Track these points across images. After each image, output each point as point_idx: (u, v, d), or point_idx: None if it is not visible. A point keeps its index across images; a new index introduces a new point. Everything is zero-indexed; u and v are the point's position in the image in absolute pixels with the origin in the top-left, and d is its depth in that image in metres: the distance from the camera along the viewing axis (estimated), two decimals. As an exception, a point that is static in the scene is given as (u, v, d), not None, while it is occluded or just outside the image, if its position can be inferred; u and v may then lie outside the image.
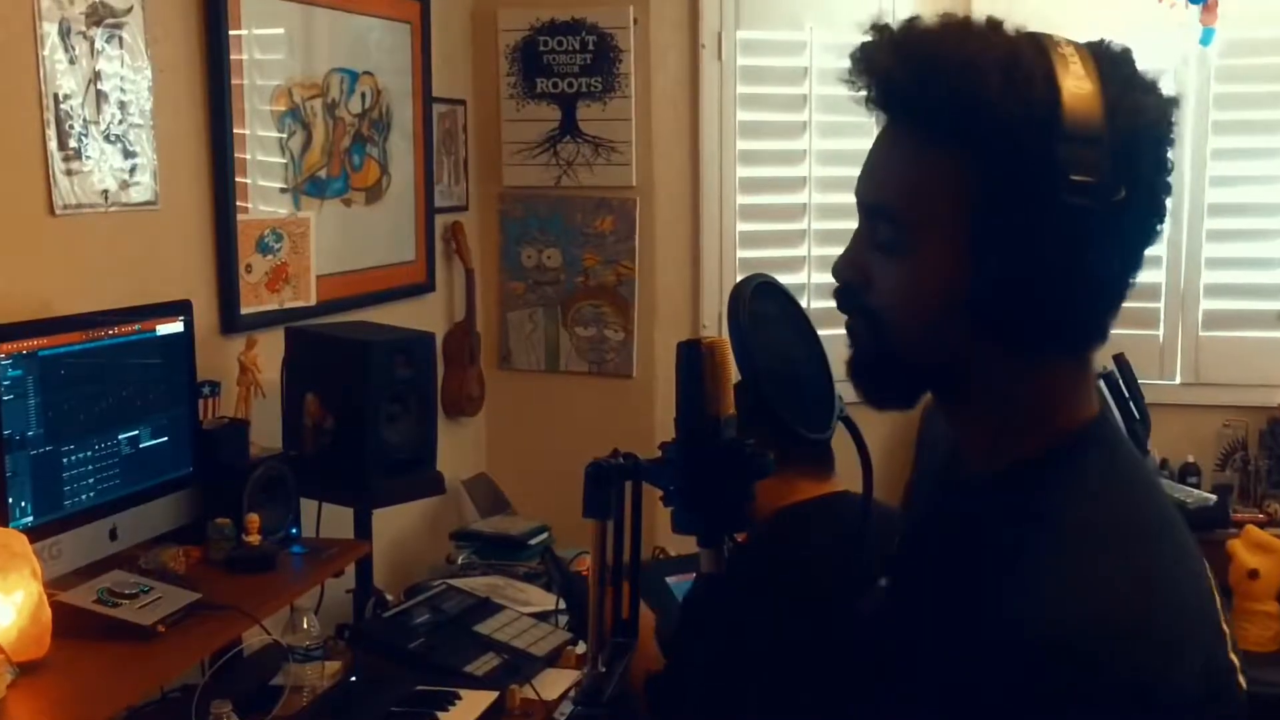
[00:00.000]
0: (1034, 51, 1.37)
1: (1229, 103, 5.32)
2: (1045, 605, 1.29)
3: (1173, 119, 1.43)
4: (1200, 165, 5.31)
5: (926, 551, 1.53)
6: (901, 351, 1.47)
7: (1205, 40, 5.18)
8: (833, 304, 1.50)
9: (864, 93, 1.42)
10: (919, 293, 1.43)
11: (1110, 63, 1.40)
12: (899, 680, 1.45)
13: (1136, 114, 1.37)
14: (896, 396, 1.52)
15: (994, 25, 1.41)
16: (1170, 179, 1.43)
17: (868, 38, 1.43)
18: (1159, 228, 1.45)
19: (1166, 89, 1.43)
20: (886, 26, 1.43)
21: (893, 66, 1.40)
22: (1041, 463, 1.44)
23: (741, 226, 5.49)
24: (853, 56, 1.43)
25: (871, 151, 1.47)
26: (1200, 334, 5.42)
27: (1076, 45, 1.39)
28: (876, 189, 1.46)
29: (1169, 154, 1.42)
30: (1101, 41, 1.42)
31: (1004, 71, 1.34)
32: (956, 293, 1.40)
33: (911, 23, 1.43)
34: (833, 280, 1.50)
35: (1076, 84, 1.34)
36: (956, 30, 1.41)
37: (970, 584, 1.38)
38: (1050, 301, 1.37)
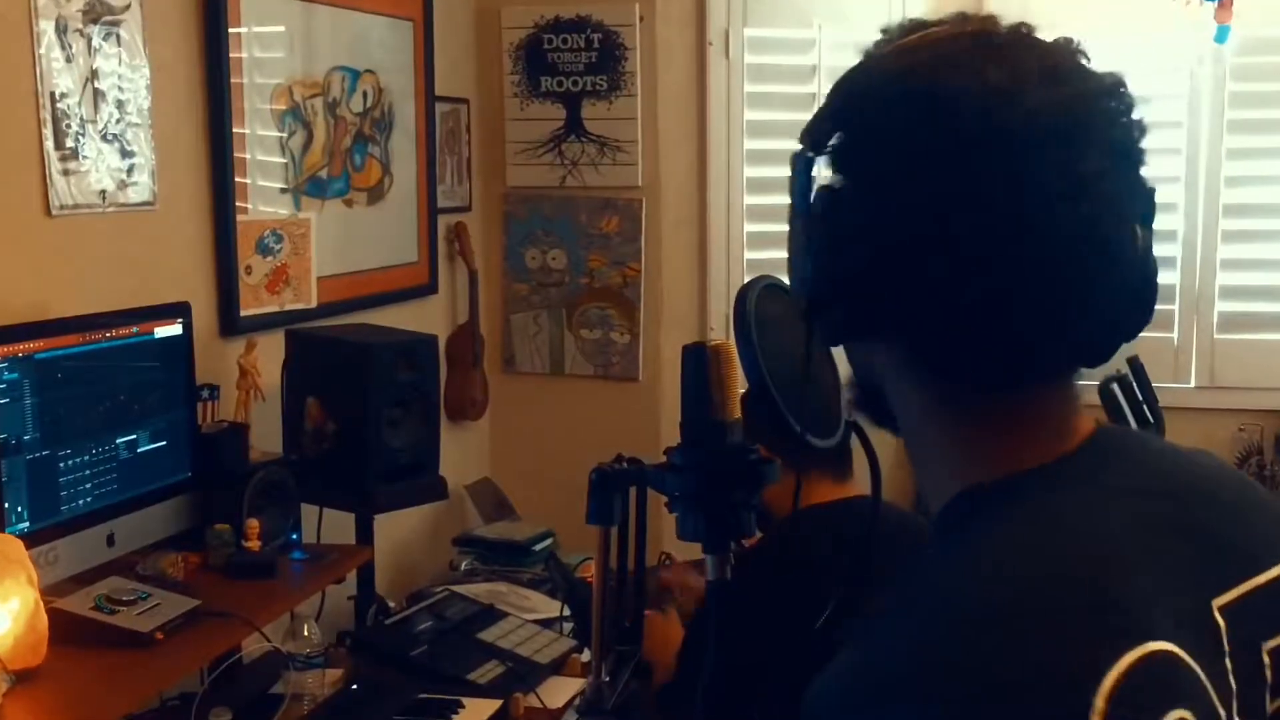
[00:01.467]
0: None
1: (1245, 101, 5.30)
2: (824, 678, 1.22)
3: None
4: (1215, 165, 5.30)
5: None
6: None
7: (1220, 38, 5.17)
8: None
9: None
10: None
11: None
12: None
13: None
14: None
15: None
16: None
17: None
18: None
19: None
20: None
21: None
22: (939, 519, 1.34)
23: (749, 227, 5.48)
24: None
25: None
26: (1215, 336, 5.40)
27: None
28: None
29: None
30: None
31: None
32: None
33: None
34: None
35: None
36: None
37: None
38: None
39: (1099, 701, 1.09)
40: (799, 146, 1.39)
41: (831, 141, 1.33)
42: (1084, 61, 1.30)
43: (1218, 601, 1.24)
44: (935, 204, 1.23)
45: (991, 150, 1.22)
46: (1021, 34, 1.30)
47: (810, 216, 1.36)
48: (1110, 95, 1.28)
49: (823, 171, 1.34)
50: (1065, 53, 1.30)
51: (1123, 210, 1.27)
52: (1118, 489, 1.28)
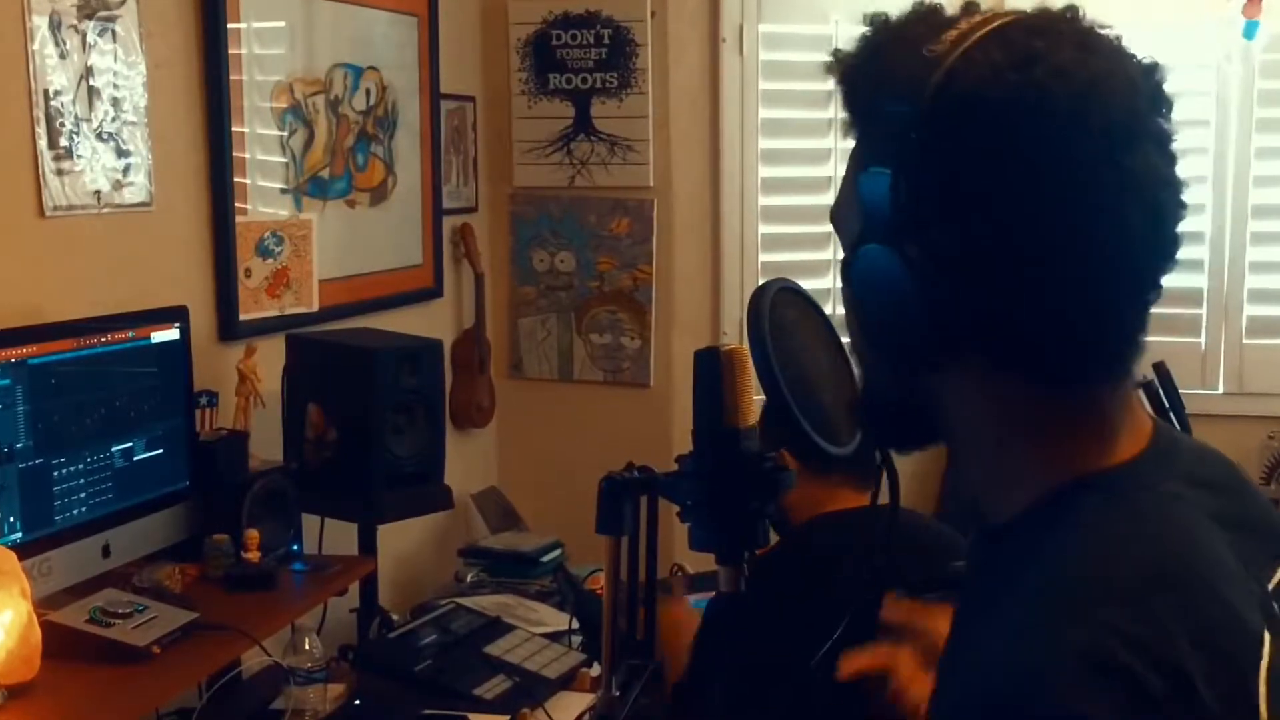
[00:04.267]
0: None
1: (1274, 99, 5.28)
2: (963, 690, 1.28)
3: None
4: (1244, 165, 5.28)
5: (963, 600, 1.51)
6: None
7: (1249, 34, 5.16)
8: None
9: None
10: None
11: None
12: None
13: None
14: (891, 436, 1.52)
15: None
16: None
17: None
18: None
19: None
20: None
21: None
22: (1020, 520, 1.38)
23: (763, 229, 5.48)
24: None
25: None
26: (1244, 341, 5.38)
27: None
28: None
29: None
30: None
31: None
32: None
33: None
34: None
35: None
36: None
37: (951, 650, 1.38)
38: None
39: (1261, 687, 1.21)
40: (873, 165, 1.35)
41: (923, 153, 1.31)
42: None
43: (1271, 583, 1.34)
44: (1038, 205, 1.27)
45: (1081, 139, 1.26)
46: (1095, 30, 1.34)
47: (897, 236, 1.32)
48: (1161, 88, 1.34)
49: (903, 182, 1.32)
50: (1122, 46, 1.35)
51: (1180, 202, 1.33)
52: (1192, 480, 1.37)
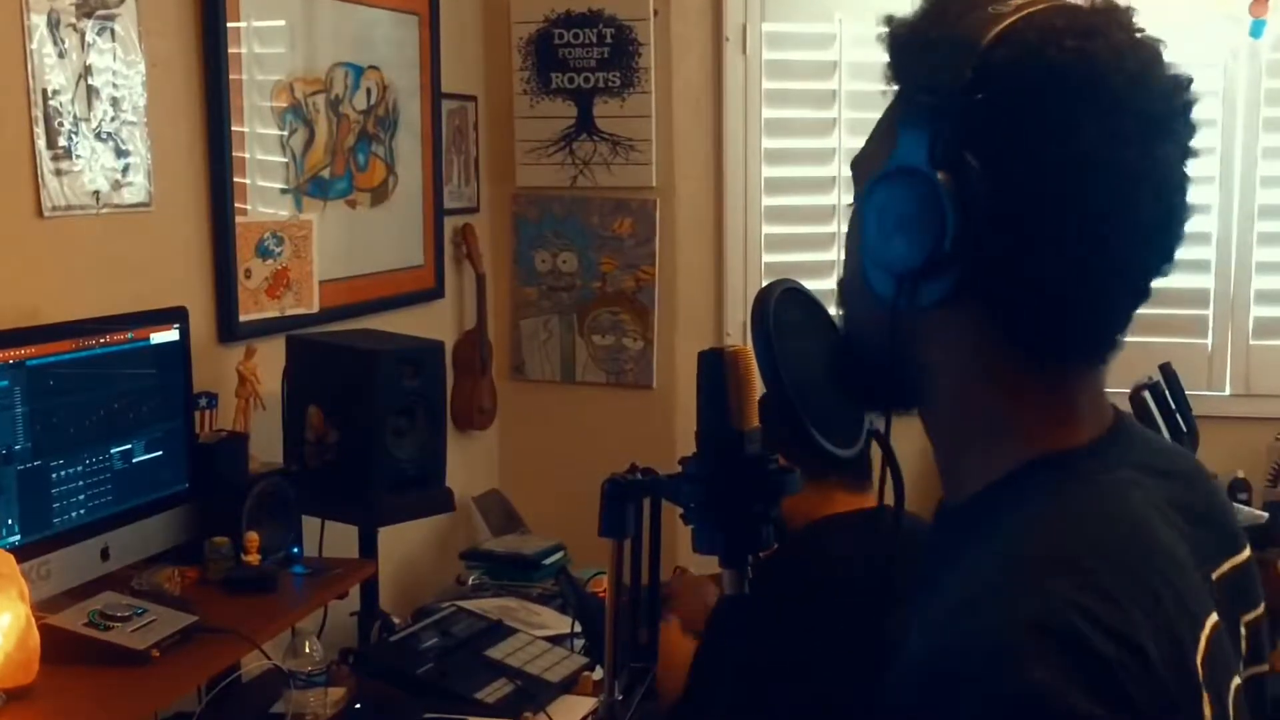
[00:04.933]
0: None
1: (1281, 98, 5.30)
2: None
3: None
4: (1250, 165, 5.28)
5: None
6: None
7: (1256, 32, 5.15)
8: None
9: None
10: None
11: None
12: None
13: None
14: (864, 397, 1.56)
15: None
16: None
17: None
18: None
19: None
20: None
21: None
22: (981, 496, 1.42)
23: (767, 229, 5.48)
24: None
25: None
26: (1251, 342, 5.38)
27: None
28: None
29: None
30: None
31: None
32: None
33: None
34: None
35: None
36: None
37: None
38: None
39: (1199, 669, 1.25)
40: (912, 105, 1.39)
41: (964, 106, 1.33)
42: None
43: (1214, 574, 1.41)
44: (1076, 169, 1.31)
45: (1126, 119, 1.31)
46: (1144, 30, 1.39)
47: (928, 178, 1.34)
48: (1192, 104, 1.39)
49: (938, 134, 1.35)
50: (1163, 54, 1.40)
51: (1184, 217, 1.39)
52: (1149, 469, 1.42)
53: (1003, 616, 1.21)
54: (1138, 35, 1.36)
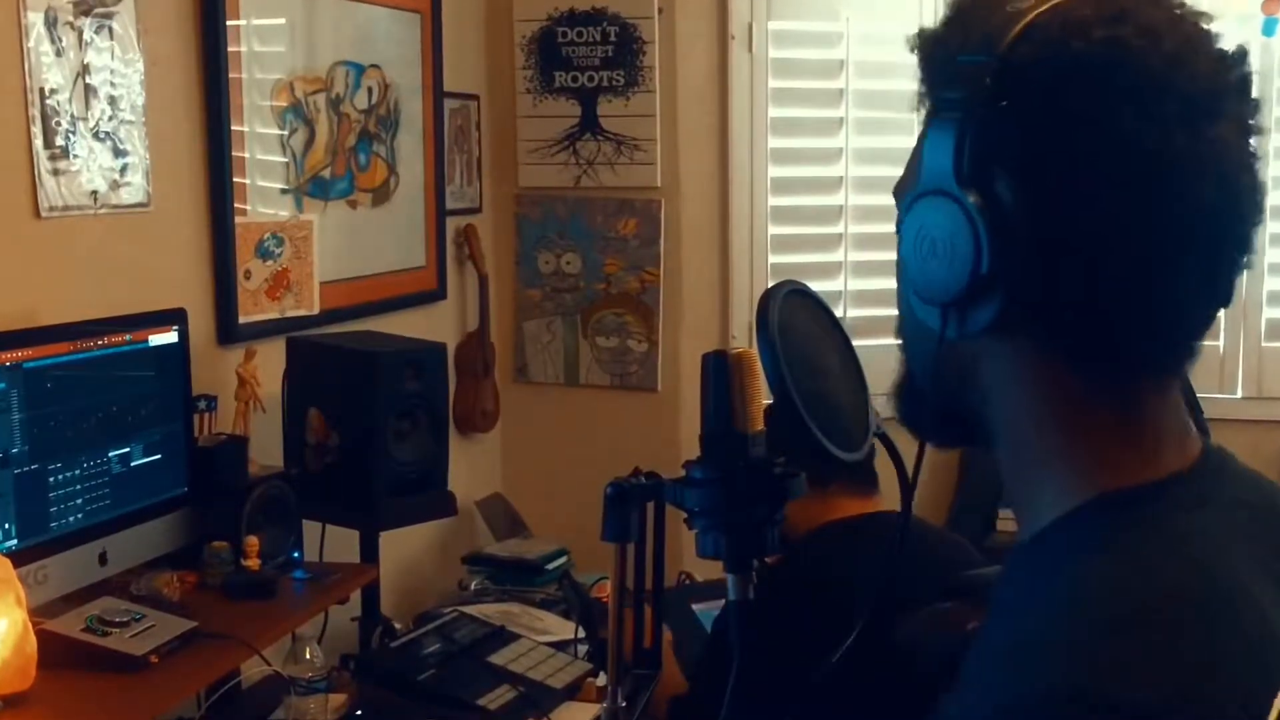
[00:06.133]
0: None
1: (1294, 97, 5.29)
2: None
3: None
4: (1262, 164, 5.27)
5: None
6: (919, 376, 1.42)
7: (1268, 30, 5.16)
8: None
9: None
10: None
11: None
12: None
13: None
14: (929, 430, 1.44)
15: None
16: None
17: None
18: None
19: None
20: None
21: None
22: (1040, 536, 1.33)
23: (773, 230, 5.48)
24: None
25: None
26: (1263, 345, 5.38)
27: None
28: None
29: None
30: None
31: None
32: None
33: None
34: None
35: None
36: None
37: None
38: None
39: None
40: (935, 121, 1.30)
41: (987, 117, 1.25)
42: None
43: None
44: (1116, 166, 1.22)
45: (1167, 103, 1.22)
46: (1186, 5, 1.29)
47: (956, 198, 1.26)
48: (1248, 79, 1.32)
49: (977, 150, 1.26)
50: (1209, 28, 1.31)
51: (1257, 202, 1.32)
52: (1245, 505, 1.32)
53: (1038, 681, 1.15)
54: (1177, 11, 1.26)
